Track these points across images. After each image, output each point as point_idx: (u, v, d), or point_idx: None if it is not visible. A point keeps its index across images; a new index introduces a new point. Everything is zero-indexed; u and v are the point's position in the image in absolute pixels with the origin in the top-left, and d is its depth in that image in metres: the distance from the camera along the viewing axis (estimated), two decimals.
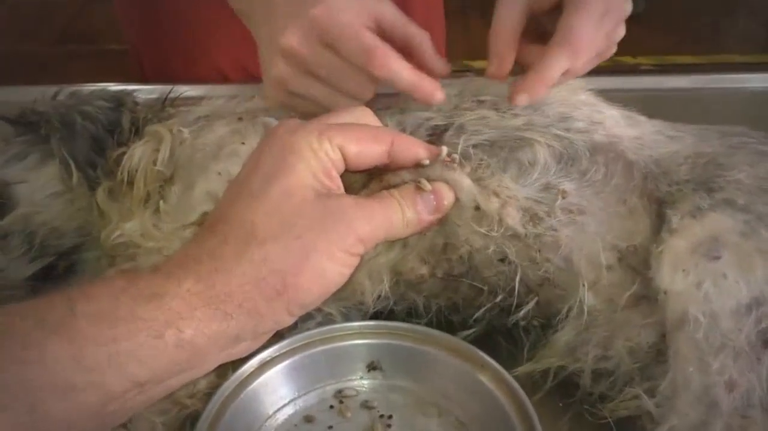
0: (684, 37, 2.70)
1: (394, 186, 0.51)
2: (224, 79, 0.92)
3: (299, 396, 0.50)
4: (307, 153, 0.46)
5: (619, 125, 0.57)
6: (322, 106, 0.57)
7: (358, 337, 0.52)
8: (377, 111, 0.55)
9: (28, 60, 2.58)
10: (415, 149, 0.50)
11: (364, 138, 0.49)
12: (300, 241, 0.45)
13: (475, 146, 0.54)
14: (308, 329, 0.52)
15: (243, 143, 0.57)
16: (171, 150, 0.57)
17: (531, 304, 0.53)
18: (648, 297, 0.49)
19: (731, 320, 0.43)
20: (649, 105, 0.61)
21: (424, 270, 0.54)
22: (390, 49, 0.53)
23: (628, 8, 0.58)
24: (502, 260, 0.52)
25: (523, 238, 0.51)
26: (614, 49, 0.60)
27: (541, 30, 0.58)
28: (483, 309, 0.53)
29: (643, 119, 0.58)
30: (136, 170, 0.57)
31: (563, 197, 0.52)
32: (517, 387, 0.47)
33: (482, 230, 0.51)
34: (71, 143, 0.58)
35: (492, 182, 0.52)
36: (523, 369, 0.51)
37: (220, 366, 0.48)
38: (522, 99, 0.54)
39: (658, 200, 0.52)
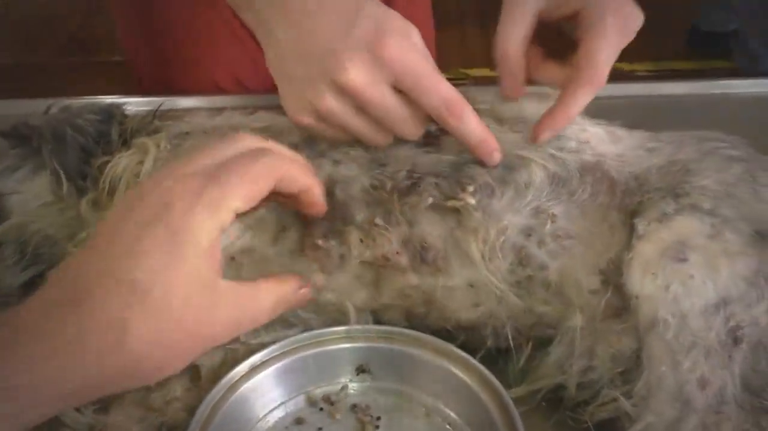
0: (680, 41, 2.71)
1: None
2: (218, 90, 0.94)
3: (289, 399, 0.52)
4: (205, 237, 0.42)
5: (603, 142, 0.57)
6: (354, 136, 0.55)
7: (347, 341, 0.53)
8: None
9: (32, 71, 2.61)
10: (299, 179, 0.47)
11: (255, 186, 0.45)
12: (164, 360, 0.41)
13: (474, 163, 0.54)
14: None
15: None
16: (154, 164, 0.58)
17: (526, 351, 0.54)
18: (627, 307, 0.49)
19: (700, 320, 0.44)
20: (646, 112, 0.61)
21: (403, 322, 0.55)
22: (466, 102, 0.52)
23: (640, 19, 0.56)
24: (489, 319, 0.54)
25: (514, 285, 0.52)
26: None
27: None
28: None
29: (624, 133, 0.59)
30: (119, 180, 0.58)
31: (552, 222, 0.52)
32: (502, 389, 0.49)
33: (473, 306, 0.53)
34: (62, 155, 0.59)
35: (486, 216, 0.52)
36: (516, 391, 0.52)
37: (194, 371, 0.50)
38: (547, 136, 0.54)
39: (632, 212, 0.52)
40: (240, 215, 0.44)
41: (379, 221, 0.53)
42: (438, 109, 0.52)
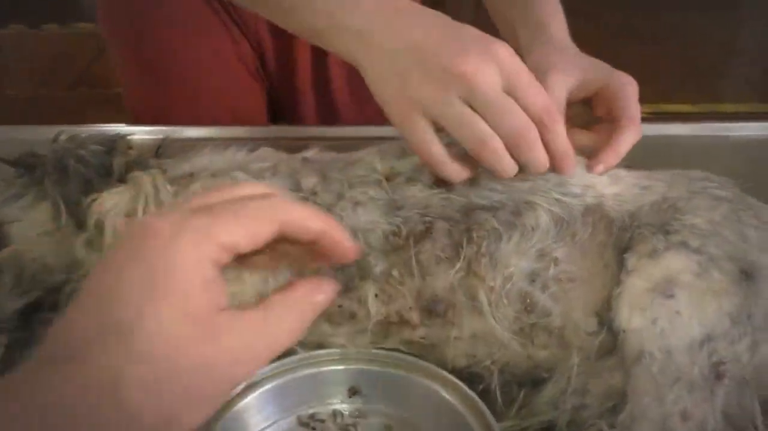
0: (680, 84, 2.72)
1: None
2: (215, 123, 0.91)
3: (281, 419, 0.53)
4: (191, 268, 0.37)
5: (603, 184, 0.59)
6: (438, 157, 0.55)
7: (340, 362, 0.54)
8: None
9: (44, 104, 2.65)
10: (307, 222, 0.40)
11: (253, 223, 0.39)
12: (169, 409, 0.36)
13: (482, 208, 0.55)
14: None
15: None
16: (148, 201, 0.57)
17: (520, 398, 0.54)
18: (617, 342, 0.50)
19: (685, 355, 0.46)
20: (647, 153, 0.64)
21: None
22: (559, 114, 0.56)
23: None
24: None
25: (518, 333, 0.53)
26: None
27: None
28: None
29: (623, 172, 0.61)
30: (105, 218, 0.57)
31: (555, 265, 0.53)
32: (489, 415, 0.49)
33: (472, 354, 0.54)
34: (63, 186, 0.59)
35: (493, 263, 0.53)
36: (506, 425, 0.52)
37: None
38: (599, 169, 0.58)
39: (624, 248, 0.54)
40: (243, 259, 0.39)
41: (395, 272, 0.54)
42: (540, 110, 0.53)
